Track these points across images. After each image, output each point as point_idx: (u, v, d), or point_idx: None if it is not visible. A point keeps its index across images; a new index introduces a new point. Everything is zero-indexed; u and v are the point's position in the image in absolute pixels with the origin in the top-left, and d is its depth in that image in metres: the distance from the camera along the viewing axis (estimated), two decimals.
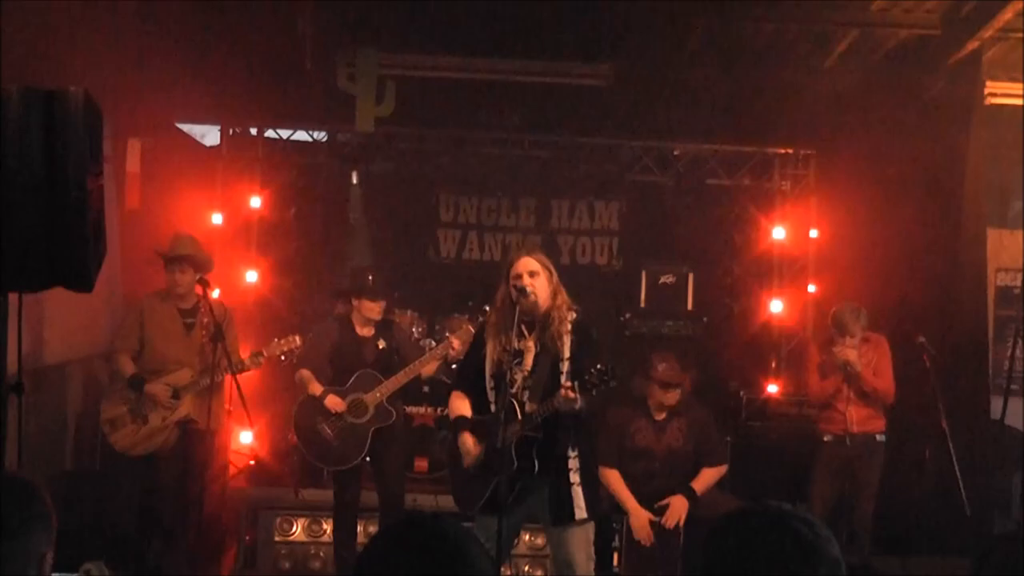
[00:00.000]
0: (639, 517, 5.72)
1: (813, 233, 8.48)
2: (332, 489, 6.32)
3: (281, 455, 7.35)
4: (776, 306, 8.54)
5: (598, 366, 4.25)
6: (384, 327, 6.28)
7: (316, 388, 6.09)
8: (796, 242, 8.62)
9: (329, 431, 6.05)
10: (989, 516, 6.53)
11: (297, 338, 6.12)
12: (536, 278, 4.49)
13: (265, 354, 6.11)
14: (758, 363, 8.58)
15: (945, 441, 6.13)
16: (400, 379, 6.04)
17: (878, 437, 6.34)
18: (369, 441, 6.02)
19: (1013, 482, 6.67)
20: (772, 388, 8.24)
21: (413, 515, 1.87)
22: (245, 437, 7.22)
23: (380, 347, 6.19)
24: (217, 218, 8.09)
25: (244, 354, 6.14)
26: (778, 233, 8.59)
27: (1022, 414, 6.52)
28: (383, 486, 6.17)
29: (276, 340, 6.17)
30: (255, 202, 8.30)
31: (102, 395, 6.25)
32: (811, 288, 8.44)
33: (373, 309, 6.14)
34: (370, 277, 6.26)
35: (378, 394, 6.05)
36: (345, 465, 6.06)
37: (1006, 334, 7.18)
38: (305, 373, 6.16)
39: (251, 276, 8.16)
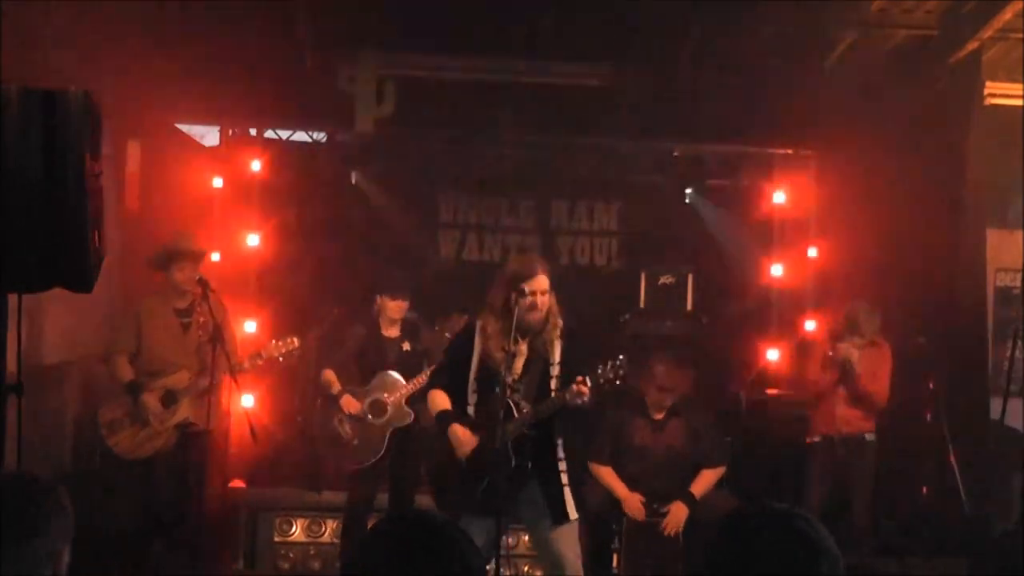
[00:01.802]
0: (631, 500, 5.79)
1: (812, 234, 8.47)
2: (324, 491, 6.35)
3: (281, 456, 7.35)
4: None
5: (609, 362, 4.30)
6: (412, 329, 6.29)
7: (335, 388, 6.13)
8: (795, 243, 8.62)
9: (348, 430, 6.08)
10: (989, 516, 6.53)
11: (295, 339, 6.08)
12: (547, 296, 4.53)
13: (264, 356, 6.06)
14: (757, 364, 8.57)
15: (944, 442, 6.14)
16: (420, 381, 6.05)
17: (867, 437, 6.35)
18: (387, 441, 6.04)
19: (1013, 482, 6.66)
20: (771, 389, 8.22)
21: (404, 512, 1.88)
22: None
23: (404, 349, 6.20)
24: (216, 218, 8.07)
25: (242, 355, 6.12)
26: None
27: (1022, 415, 6.51)
28: (395, 487, 6.19)
29: (274, 342, 6.12)
30: (254, 203, 8.27)
31: (102, 398, 6.20)
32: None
33: (395, 308, 6.15)
34: (394, 279, 6.28)
35: (398, 395, 6.07)
36: (360, 464, 6.08)
37: (1006, 335, 7.16)
38: (328, 373, 6.20)
39: (249, 277, 8.14)
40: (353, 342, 6.24)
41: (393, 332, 6.22)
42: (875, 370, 6.31)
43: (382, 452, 6.07)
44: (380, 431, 6.07)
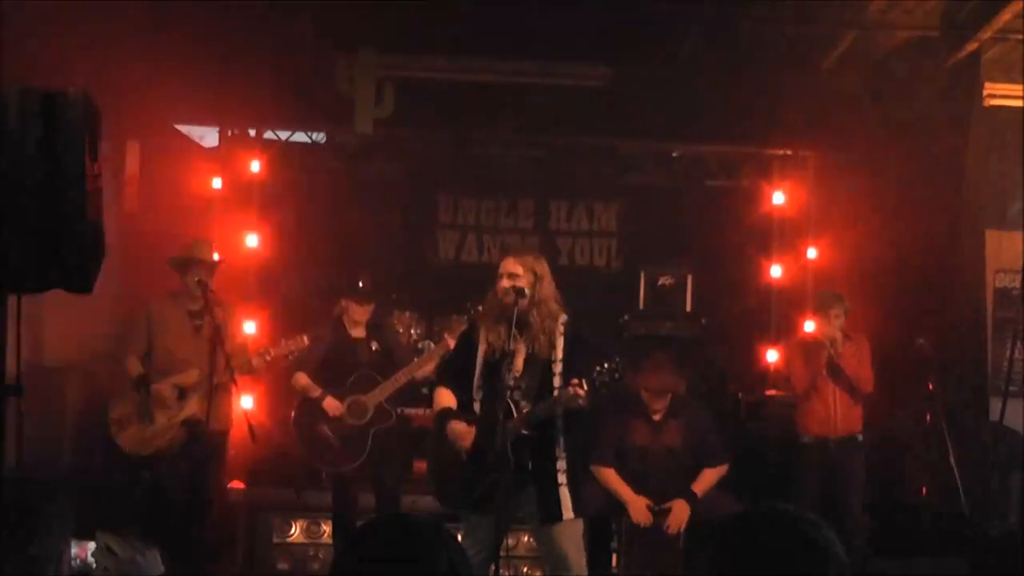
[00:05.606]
0: (636, 503, 5.75)
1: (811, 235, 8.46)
2: (330, 491, 6.32)
3: (281, 456, 7.34)
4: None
5: (605, 364, 4.30)
6: (376, 329, 6.30)
7: (314, 390, 6.10)
8: (794, 243, 8.61)
9: (330, 433, 6.05)
10: (988, 517, 6.53)
11: (305, 338, 6.09)
12: (523, 280, 4.51)
13: (273, 353, 6.08)
14: (756, 365, 8.57)
15: (944, 442, 6.13)
16: (399, 380, 6.05)
17: (859, 438, 6.36)
18: (369, 443, 6.02)
19: (1013, 482, 6.66)
20: (770, 390, 8.22)
21: (386, 516, 1.88)
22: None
23: (373, 348, 6.20)
24: (215, 219, 8.06)
25: (251, 352, 6.14)
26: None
27: (1021, 415, 6.51)
28: (380, 488, 6.17)
29: (283, 340, 6.14)
30: (254, 204, 8.26)
31: (109, 396, 6.23)
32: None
33: (360, 313, 6.16)
34: (361, 282, 6.27)
35: (377, 395, 6.05)
36: (346, 467, 6.06)
37: (1005, 335, 7.17)
38: (302, 376, 6.17)
39: (249, 278, 8.13)
40: (321, 345, 6.22)
41: (359, 333, 6.23)
42: (857, 360, 6.34)
43: (365, 454, 6.04)
44: (363, 433, 6.04)
